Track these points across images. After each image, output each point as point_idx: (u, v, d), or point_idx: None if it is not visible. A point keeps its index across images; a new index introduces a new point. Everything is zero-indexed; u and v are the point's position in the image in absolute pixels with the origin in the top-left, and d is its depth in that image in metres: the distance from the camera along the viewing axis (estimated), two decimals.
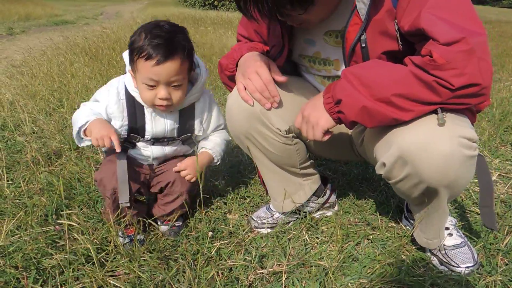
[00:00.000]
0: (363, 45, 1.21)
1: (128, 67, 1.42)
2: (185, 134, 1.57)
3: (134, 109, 1.46)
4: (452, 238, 1.43)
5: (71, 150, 2.31)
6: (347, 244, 1.52)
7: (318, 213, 1.74)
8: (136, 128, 1.48)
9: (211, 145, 1.60)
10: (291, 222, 1.69)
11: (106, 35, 7.04)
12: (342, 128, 1.55)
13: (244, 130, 1.44)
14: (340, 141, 1.56)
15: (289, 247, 1.50)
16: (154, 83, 1.33)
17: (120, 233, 1.52)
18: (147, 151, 1.55)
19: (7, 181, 1.92)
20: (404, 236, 1.53)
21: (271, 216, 1.67)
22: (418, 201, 1.26)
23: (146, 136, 1.51)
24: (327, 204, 1.74)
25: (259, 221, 1.64)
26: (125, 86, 1.46)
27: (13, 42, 7.92)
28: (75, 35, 7.78)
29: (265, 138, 1.44)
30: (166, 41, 1.30)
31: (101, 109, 1.44)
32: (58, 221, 1.59)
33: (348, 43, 1.24)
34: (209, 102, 1.58)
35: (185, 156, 1.65)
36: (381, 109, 1.08)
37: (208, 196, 1.82)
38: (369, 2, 1.13)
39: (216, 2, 26.48)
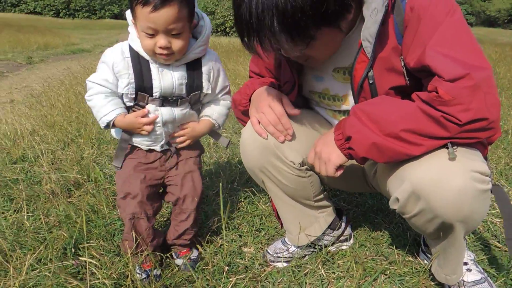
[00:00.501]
0: (371, 82, 1.24)
1: (129, 17, 1.40)
2: (194, 92, 1.51)
3: (139, 66, 1.42)
4: (472, 274, 1.41)
5: (88, 181, 2.36)
6: (364, 280, 1.51)
7: (334, 246, 1.73)
8: (143, 85, 1.43)
9: (215, 115, 1.60)
10: (307, 256, 1.68)
11: None
12: (354, 161, 1.57)
13: (259, 163, 1.46)
14: (353, 173, 1.57)
15: (305, 283, 1.49)
16: (153, 31, 1.31)
17: (137, 268, 1.53)
18: (157, 122, 1.49)
19: (27, 213, 1.96)
20: (422, 271, 1.51)
21: (287, 250, 1.67)
22: (434, 235, 1.26)
23: (154, 94, 1.44)
24: (343, 237, 1.73)
25: (274, 255, 1.64)
26: (129, 44, 1.43)
27: (32, 71, 8.19)
28: (92, 63, 7.99)
29: (279, 171, 1.46)
30: None
31: (109, 76, 1.42)
32: (77, 255, 1.61)
33: (356, 80, 1.27)
34: (215, 60, 1.55)
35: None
36: (390, 144, 1.10)
37: (219, 227, 1.84)
38: (374, 41, 1.16)
39: (228, 29, 26.99)
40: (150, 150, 1.55)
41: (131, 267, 1.44)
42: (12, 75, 7.59)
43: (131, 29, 1.41)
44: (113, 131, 1.58)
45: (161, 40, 1.32)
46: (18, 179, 2.37)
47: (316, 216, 1.62)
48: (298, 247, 1.65)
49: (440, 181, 1.07)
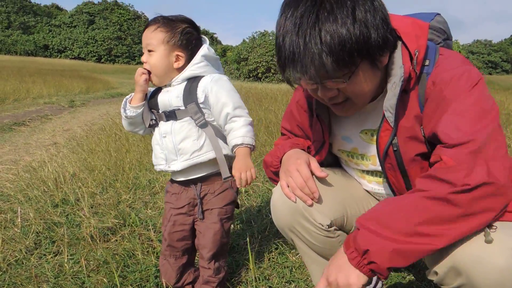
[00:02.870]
0: (395, 149, 1.28)
1: None
2: (189, 103, 1.60)
3: (156, 90, 1.71)
4: None
5: (125, 226, 2.45)
6: None
7: None
8: (152, 102, 1.68)
9: (240, 140, 1.58)
10: None
11: None
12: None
13: (288, 223, 1.50)
14: None
15: None
16: (144, 49, 1.61)
17: None
18: (160, 129, 1.66)
19: (67, 256, 2.06)
20: None
21: None
22: None
23: (159, 109, 1.66)
24: None
25: None
26: None
27: (73, 115, 8.65)
28: None
29: (308, 231, 1.48)
30: (163, 17, 1.61)
31: None
32: None
33: (381, 147, 1.31)
34: (217, 79, 1.63)
35: (196, 159, 1.65)
36: (411, 245, 1.05)
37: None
38: (394, 112, 1.21)
39: (260, 75, 27.70)
40: (180, 189, 1.72)
41: None
42: (55, 118, 8.04)
43: None
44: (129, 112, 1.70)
45: (143, 56, 1.62)
46: (60, 222, 2.50)
47: None
48: None
49: (482, 259, 1.04)
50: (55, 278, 1.86)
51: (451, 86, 1.15)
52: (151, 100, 1.68)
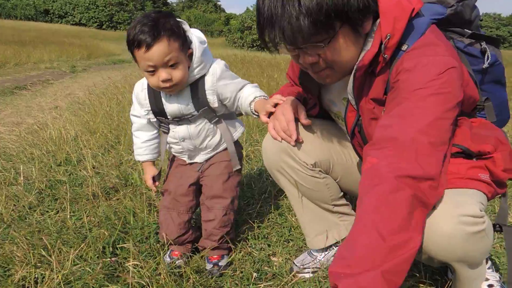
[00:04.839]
0: (359, 130, 1.34)
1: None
2: (201, 108, 1.62)
3: (153, 95, 1.65)
4: None
5: (126, 186, 2.48)
6: None
7: None
8: (158, 111, 1.66)
9: (257, 93, 1.59)
10: None
11: None
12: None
13: (276, 162, 1.59)
14: None
15: None
16: (153, 68, 1.47)
17: (166, 255, 1.75)
18: (175, 133, 1.69)
19: (70, 213, 2.09)
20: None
21: (313, 260, 1.71)
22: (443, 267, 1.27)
23: (168, 117, 1.65)
24: None
25: (301, 266, 1.69)
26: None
27: (75, 80, 8.60)
28: (132, 74, 8.31)
29: (294, 170, 1.57)
30: (150, 27, 1.42)
31: (137, 108, 1.74)
32: (115, 254, 1.71)
33: (349, 126, 1.38)
34: (219, 74, 1.60)
35: (215, 151, 1.74)
36: (395, 259, 0.98)
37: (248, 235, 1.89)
38: (354, 96, 1.27)
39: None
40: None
41: (161, 255, 1.66)
42: (57, 83, 8.00)
43: None
44: None
45: (162, 74, 1.47)
46: (62, 181, 2.52)
47: (336, 222, 1.67)
48: (323, 256, 1.69)
49: (430, 225, 1.09)
50: (57, 233, 1.89)
51: (409, 77, 1.13)
52: (154, 108, 1.66)
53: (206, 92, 1.61)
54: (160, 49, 1.43)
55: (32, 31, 25.26)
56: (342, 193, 1.65)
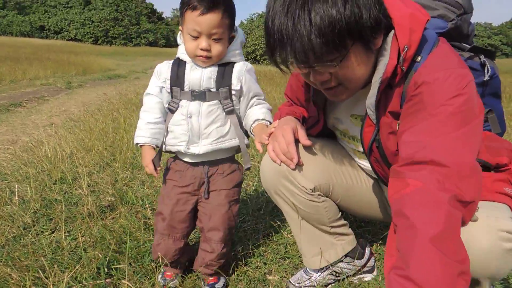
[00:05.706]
0: (377, 145, 1.32)
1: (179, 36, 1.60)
2: (222, 87, 1.59)
3: (177, 66, 1.62)
4: None
5: (122, 204, 2.47)
6: None
7: (357, 277, 1.75)
8: (176, 79, 1.61)
9: (262, 115, 1.62)
10: (330, 286, 1.71)
11: None
12: (376, 191, 1.63)
13: (274, 185, 1.57)
14: (374, 204, 1.61)
15: None
16: (197, 34, 1.48)
17: (159, 277, 1.72)
18: (184, 109, 1.60)
19: (65, 232, 2.08)
20: None
21: (309, 278, 1.70)
22: None
23: (185, 87, 1.59)
24: (366, 268, 1.76)
25: (297, 285, 1.68)
26: (176, 57, 1.65)
27: (71, 96, 8.60)
28: (127, 89, 8.34)
29: (292, 194, 1.55)
30: None
31: (155, 81, 1.68)
32: (109, 275, 1.70)
33: (366, 142, 1.36)
34: (249, 68, 1.64)
35: (217, 145, 1.64)
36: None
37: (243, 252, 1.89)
38: (374, 110, 1.24)
39: (258, 57, 27.51)
40: (186, 166, 1.69)
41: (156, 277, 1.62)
42: (52, 99, 7.99)
43: (180, 41, 1.61)
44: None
45: (203, 42, 1.49)
46: (57, 200, 2.52)
47: (332, 242, 1.66)
48: (319, 275, 1.69)
49: (467, 241, 1.05)
50: (52, 254, 1.88)
51: (432, 91, 1.12)
52: (173, 75, 1.62)
53: (233, 75, 1.59)
54: (212, 19, 1.46)
55: (27, 48, 25.35)
56: (340, 213, 1.65)
